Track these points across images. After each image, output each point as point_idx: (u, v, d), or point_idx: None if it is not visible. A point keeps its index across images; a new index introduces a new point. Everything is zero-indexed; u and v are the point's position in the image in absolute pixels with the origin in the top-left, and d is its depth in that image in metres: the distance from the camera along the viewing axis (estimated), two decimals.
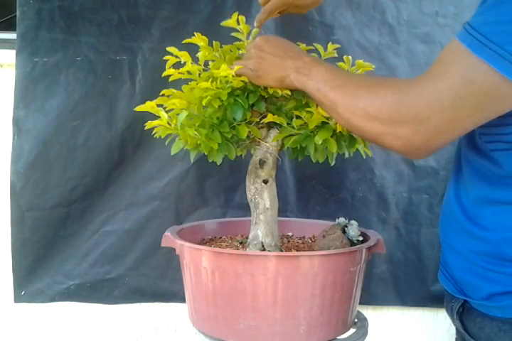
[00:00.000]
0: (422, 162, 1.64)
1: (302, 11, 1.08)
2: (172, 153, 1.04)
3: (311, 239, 1.28)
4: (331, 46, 1.09)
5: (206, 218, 1.48)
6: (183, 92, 1.01)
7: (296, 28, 1.55)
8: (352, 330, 1.11)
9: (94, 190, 1.61)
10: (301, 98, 1.05)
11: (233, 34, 1.07)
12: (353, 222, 1.17)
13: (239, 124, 1.02)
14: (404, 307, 1.75)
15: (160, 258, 1.62)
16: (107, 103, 1.58)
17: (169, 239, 1.12)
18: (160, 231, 1.20)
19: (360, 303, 1.14)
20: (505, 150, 0.78)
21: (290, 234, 1.32)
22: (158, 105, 1.00)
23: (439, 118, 0.72)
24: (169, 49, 1.02)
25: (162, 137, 1.05)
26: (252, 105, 1.04)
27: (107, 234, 1.63)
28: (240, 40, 1.07)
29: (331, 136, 1.02)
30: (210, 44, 1.05)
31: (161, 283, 1.65)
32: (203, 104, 0.99)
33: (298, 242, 1.24)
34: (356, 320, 1.15)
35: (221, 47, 1.07)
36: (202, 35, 1.03)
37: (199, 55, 1.03)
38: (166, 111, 1.01)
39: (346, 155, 1.09)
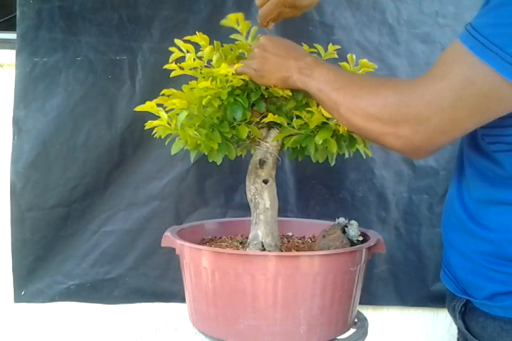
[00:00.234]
0: (422, 162, 1.64)
1: (297, 14, 1.08)
2: (172, 153, 1.04)
3: (311, 239, 1.28)
4: (331, 47, 1.09)
5: (206, 218, 1.48)
6: (183, 92, 1.01)
7: (296, 28, 1.55)
8: (352, 330, 1.11)
9: (94, 190, 1.61)
10: (302, 98, 1.05)
11: (232, 36, 1.07)
12: (353, 222, 1.17)
13: (239, 124, 1.02)
14: (404, 307, 1.75)
15: (160, 258, 1.62)
16: (107, 103, 1.58)
17: (169, 239, 1.12)
18: (160, 231, 1.20)
19: (360, 303, 1.14)
20: (506, 152, 0.78)
21: (290, 234, 1.32)
22: (158, 105, 1.00)
23: (439, 118, 0.73)
24: (176, 41, 1.01)
25: (162, 137, 1.05)
26: (252, 105, 1.04)
27: (107, 234, 1.63)
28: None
29: (331, 136, 1.02)
30: (211, 44, 1.05)
31: (161, 283, 1.65)
32: (203, 103, 0.99)
33: (298, 242, 1.24)
34: (356, 320, 1.15)
35: (222, 46, 1.07)
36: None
37: (205, 51, 1.02)
38: (166, 111, 1.01)
39: (346, 156, 1.09)
